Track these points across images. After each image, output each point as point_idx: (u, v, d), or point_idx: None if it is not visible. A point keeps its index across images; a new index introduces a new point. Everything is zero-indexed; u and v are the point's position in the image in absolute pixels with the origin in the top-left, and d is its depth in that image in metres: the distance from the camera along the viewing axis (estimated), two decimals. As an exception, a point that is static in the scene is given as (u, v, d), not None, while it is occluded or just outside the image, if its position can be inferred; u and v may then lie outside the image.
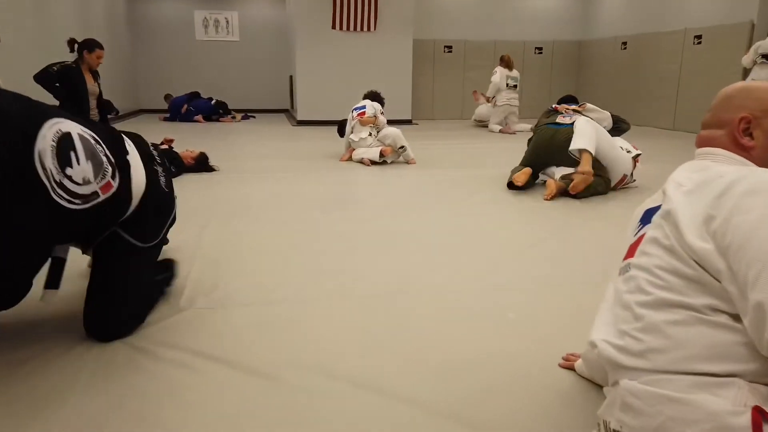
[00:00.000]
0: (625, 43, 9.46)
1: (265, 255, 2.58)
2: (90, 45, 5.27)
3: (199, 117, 9.56)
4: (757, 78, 6.86)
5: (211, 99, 10.06)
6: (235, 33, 11.51)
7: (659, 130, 8.35)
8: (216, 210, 3.43)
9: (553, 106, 4.41)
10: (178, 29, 11.28)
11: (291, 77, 10.26)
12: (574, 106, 4.33)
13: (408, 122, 9.25)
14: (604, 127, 4.16)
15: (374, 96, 6.08)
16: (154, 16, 11.19)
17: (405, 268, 2.42)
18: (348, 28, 8.99)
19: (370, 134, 5.44)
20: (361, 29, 9.01)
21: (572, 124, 4.01)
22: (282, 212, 3.41)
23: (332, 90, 9.18)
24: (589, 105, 4.34)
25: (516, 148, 5.99)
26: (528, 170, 4.07)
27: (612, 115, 4.34)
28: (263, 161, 5.45)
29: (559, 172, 3.99)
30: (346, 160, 5.43)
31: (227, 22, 11.43)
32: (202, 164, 4.80)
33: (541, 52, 10.71)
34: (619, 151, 4.03)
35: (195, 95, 10.01)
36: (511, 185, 4.11)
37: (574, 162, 3.90)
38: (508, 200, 3.77)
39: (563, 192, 3.82)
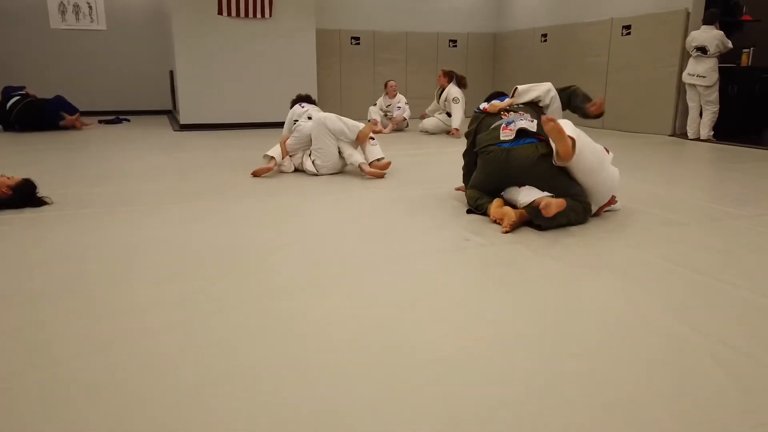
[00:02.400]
0: (545, 35, 8.80)
1: (89, 414, 1.29)
2: None
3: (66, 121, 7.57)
4: (693, 72, 6.34)
5: (21, 89, 7.62)
6: (100, 20, 9.64)
7: (587, 129, 7.72)
8: (16, 286, 2.04)
9: (481, 107, 3.39)
10: (26, 15, 9.23)
11: (171, 73, 8.66)
12: (506, 101, 3.37)
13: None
14: (552, 99, 3.37)
15: (309, 98, 4.88)
16: (-7, -2, 9.09)
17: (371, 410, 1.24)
18: (238, 14, 7.58)
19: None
20: (254, 15, 7.63)
21: (526, 141, 3.01)
22: (139, 288, 2.09)
23: (222, 87, 7.75)
24: (519, 87, 3.39)
25: (453, 154, 4.94)
26: (499, 201, 3.01)
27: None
28: (126, 185, 4.01)
29: (525, 193, 2.95)
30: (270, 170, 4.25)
31: (90, 7, 9.54)
32: (24, 196, 3.32)
33: (455, 45, 9.86)
34: (607, 161, 3.09)
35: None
36: (470, 211, 3.18)
37: (540, 180, 2.93)
38: (470, 240, 2.68)
39: (526, 222, 2.88)
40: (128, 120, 9.05)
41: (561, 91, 3.41)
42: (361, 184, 4.05)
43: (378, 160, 4.45)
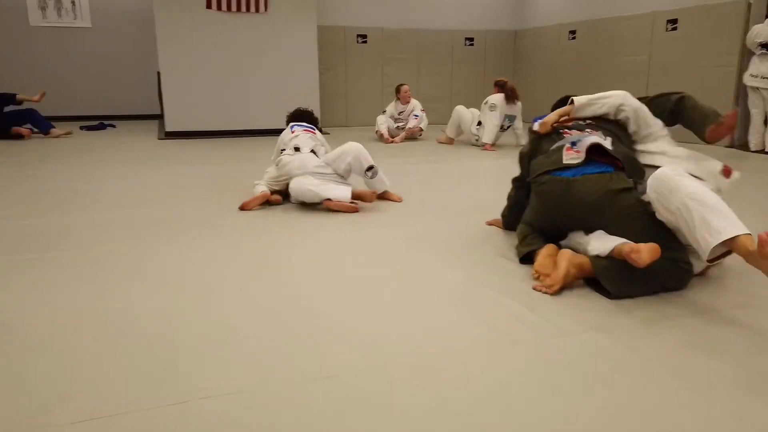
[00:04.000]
0: (573, 32, 7.89)
1: None
2: None
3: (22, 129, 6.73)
4: (757, 73, 5.42)
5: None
6: (84, 17, 8.85)
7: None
8: None
9: (535, 125, 2.55)
10: (2, 11, 8.47)
11: (159, 74, 7.84)
12: (558, 112, 2.52)
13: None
14: (631, 115, 2.41)
15: (308, 116, 3.91)
16: (-33, -7, 8.33)
17: None
18: (229, 8, 6.74)
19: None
20: (247, 9, 6.79)
21: (596, 169, 2.15)
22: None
23: (212, 91, 6.93)
24: (577, 99, 2.49)
25: (477, 169, 4.07)
26: (551, 248, 2.16)
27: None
28: (69, 214, 3.16)
29: (599, 240, 2.07)
30: (259, 204, 3.33)
31: (73, 3, 8.76)
32: None
33: (472, 44, 8.97)
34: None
35: None
36: (525, 260, 2.29)
37: (616, 224, 2.06)
38: (524, 323, 1.79)
39: (587, 279, 2.05)
40: (113, 126, 8.26)
41: (657, 101, 2.50)
42: (360, 217, 3.18)
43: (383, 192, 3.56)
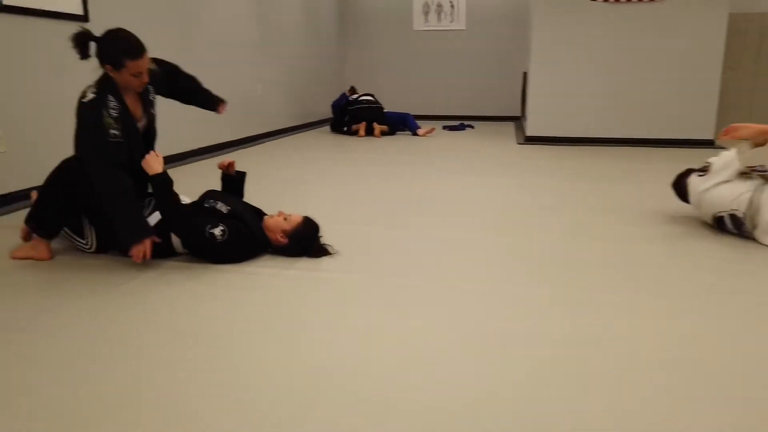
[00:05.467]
0: None
1: None
2: (117, 54, 2.18)
3: (359, 126, 7.10)
4: None
5: (346, 95, 7.53)
6: (460, 20, 9.08)
7: None
8: None
9: None
10: (393, 17, 9.30)
11: (525, 74, 7.44)
12: None
13: (709, 144, 5.69)
14: None
15: None
16: (368, 3, 9.39)
17: None
18: (619, -3, 5.82)
19: None
20: (642, -3, 5.76)
21: None
22: None
23: (582, 92, 6.15)
24: None
25: None
26: None
27: None
28: (424, 228, 2.84)
29: None
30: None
31: (452, 6, 9.06)
32: (302, 243, 2.41)
33: None
34: None
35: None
36: None
37: None
38: None
39: None
40: (472, 126, 8.26)
41: None
42: None
43: None
